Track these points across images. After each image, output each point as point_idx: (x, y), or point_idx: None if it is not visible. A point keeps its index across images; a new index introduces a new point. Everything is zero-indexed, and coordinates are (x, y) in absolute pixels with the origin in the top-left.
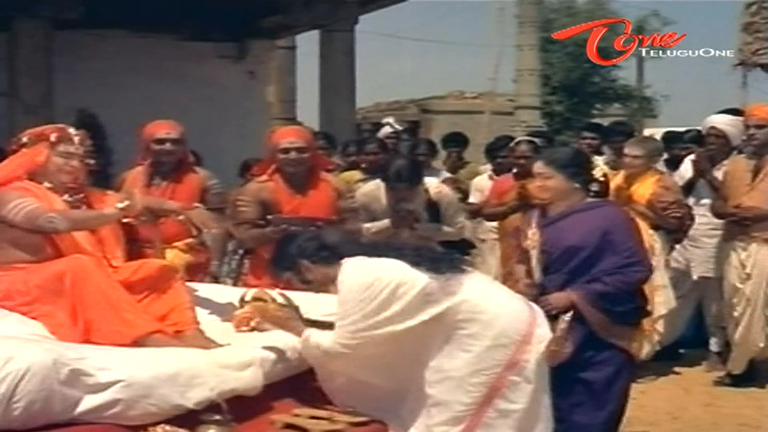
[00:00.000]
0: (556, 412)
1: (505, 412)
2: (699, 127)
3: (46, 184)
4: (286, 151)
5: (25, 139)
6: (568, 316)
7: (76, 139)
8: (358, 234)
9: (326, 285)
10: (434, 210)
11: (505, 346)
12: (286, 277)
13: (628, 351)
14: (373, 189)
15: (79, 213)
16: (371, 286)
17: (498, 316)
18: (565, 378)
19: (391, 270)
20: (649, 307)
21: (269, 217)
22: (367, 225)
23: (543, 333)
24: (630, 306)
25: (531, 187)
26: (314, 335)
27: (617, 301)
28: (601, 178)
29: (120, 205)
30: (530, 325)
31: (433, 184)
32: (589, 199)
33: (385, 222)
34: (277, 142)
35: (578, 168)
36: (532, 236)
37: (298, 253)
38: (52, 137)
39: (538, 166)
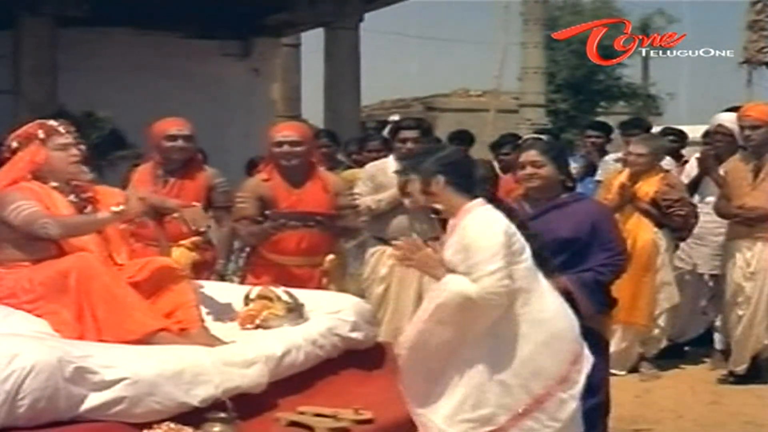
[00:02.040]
0: None
1: (542, 427)
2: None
3: (53, 184)
4: (280, 144)
5: (15, 144)
6: None
7: (62, 128)
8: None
9: (434, 205)
10: None
11: (559, 358)
12: (411, 178)
13: (606, 338)
14: (381, 162)
15: (73, 219)
16: (504, 237)
17: (555, 320)
18: None
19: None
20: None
21: (267, 212)
22: (375, 196)
23: (589, 356)
24: (604, 295)
25: (519, 175)
26: (456, 281)
27: (596, 290)
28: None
29: (115, 209)
30: (582, 345)
31: None
32: (564, 194)
33: (393, 191)
34: (272, 136)
35: (564, 162)
36: None
37: (444, 166)
38: (40, 134)
39: (533, 155)
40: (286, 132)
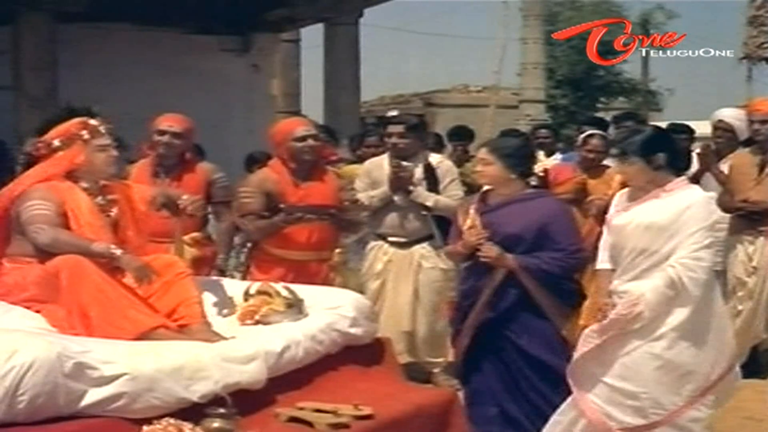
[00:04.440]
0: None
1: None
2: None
3: (83, 185)
4: (303, 139)
5: (56, 143)
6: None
7: (102, 129)
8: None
9: (637, 181)
10: (432, 179)
11: (713, 370)
12: (631, 161)
13: (558, 329)
14: (378, 158)
15: (68, 237)
16: (714, 226)
17: (724, 331)
18: (503, 345)
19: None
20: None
21: (282, 206)
22: (368, 192)
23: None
24: (566, 285)
25: (474, 171)
26: (650, 284)
27: (553, 278)
28: (541, 173)
29: (111, 250)
30: None
31: (435, 158)
32: (528, 190)
33: (384, 188)
34: (291, 131)
35: (519, 159)
36: (473, 221)
37: (662, 144)
38: (85, 135)
39: (482, 152)
40: (306, 126)
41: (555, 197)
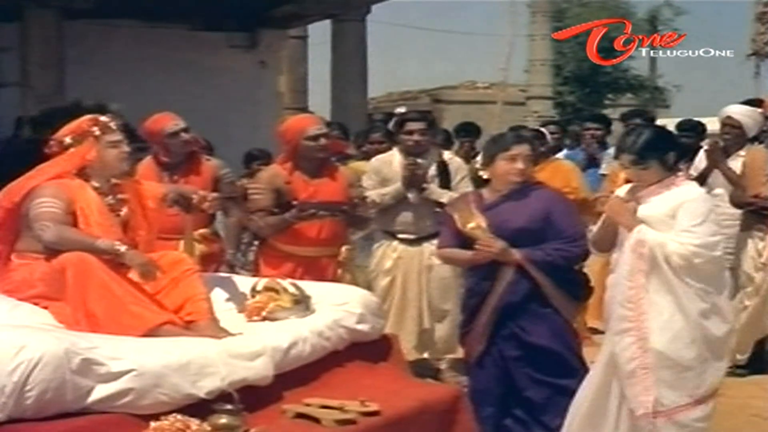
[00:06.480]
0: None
1: (702, 419)
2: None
3: (94, 183)
4: (316, 138)
5: (68, 140)
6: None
7: (113, 125)
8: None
9: (650, 182)
10: (445, 175)
11: (716, 373)
12: (645, 164)
13: (568, 319)
14: (387, 155)
15: (73, 235)
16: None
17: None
18: (510, 344)
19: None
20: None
21: (296, 202)
22: (379, 190)
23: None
24: (570, 276)
25: (511, 168)
26: (653, 234)
27: (558, 269)
28: None
29: (115, 246)
30: None
31: (445, 155)
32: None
33: (397, 185)
34: (304, 130)
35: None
36: (477, 219)
37: (673, 144)
38: (96, 131)
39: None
40: (318, 126)
41: (549, 187)
